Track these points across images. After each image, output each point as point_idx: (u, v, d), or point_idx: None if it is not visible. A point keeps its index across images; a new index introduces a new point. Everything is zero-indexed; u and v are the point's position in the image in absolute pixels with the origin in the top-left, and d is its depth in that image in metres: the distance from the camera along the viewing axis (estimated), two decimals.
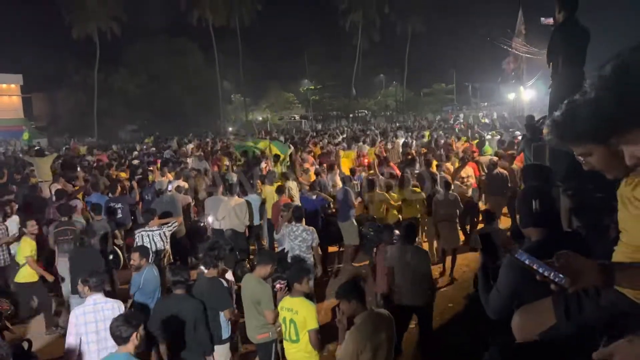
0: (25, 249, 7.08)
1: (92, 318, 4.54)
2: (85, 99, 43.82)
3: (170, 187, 9.91)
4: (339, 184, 10.48)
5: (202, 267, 5.56)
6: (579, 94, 1.28)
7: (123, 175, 12.96)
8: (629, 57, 1.21)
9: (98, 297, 4.64)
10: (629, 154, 1.27)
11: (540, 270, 1.41)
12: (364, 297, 4.07)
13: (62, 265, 7.21)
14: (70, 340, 4.52)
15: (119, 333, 3.69)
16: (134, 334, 3.69)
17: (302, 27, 55.07)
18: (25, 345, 5.23)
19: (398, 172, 10.94)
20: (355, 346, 3.73)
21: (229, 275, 5.90)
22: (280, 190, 9.11)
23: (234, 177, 11.21)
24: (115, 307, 4.62)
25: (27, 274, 7.08)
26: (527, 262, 1.46)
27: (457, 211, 8.70)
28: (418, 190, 9.13)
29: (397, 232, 8.06)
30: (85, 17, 41.62)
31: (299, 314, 4.53)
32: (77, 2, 41.03)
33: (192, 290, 5.12)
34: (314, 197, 9.13)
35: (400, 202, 9.12)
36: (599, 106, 1.21)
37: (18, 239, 7.59)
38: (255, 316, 5.06)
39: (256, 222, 9.17)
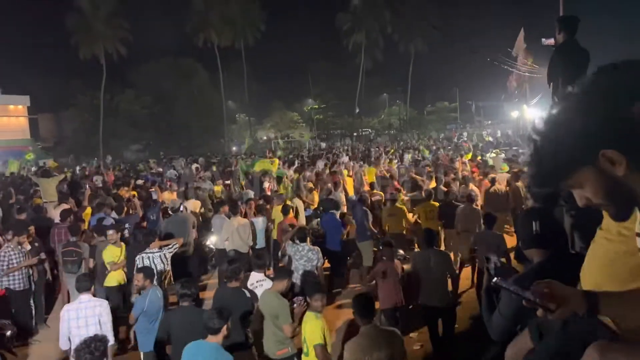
0: (109, 255, 7.59)
1: (75, 315, 5.31)
2: (91, 120, 44.24)
3: (181, 208, 9.95)
4: (344, 202, 10.53)
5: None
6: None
7: (134, 193, 12.92)
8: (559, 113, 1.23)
9: (84, 297, 5.43)
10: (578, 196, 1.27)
11: (526, 295, 1.40)
12: (371, 312, 4.19)
13: (69, 283, 7.62)
14: (63, 332, 5.31)
15: (212, 324, 4.01)
16: (224, 326, 4.04)
17: (305, 48, 55.94)
18: None
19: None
20: (350, 357, 3.85)
21: None
22: (285, 210, 9.12)
23: (250, 194, 11.31)
24: (97, 305, 5.37)
25: (112, 279, 7.62)
26: (511, 288, 1.45)
27: (477, 225, 8.66)
28: (435, 203, 9.47)
29: (400, 251, 8.07)
30: (92, 38, 42.24)
31: (305, 329, 4.63)
32: (84, 24, 41.69)
33: (202, 303, 5.24)
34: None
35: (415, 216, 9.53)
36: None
37: (42, 262, 7.90)
38: (274, 331, 5.08)
39: (259, 244, 9.09)
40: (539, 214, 2.65)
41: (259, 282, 6.13)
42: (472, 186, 11.10)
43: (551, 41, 5.75)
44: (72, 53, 42.78)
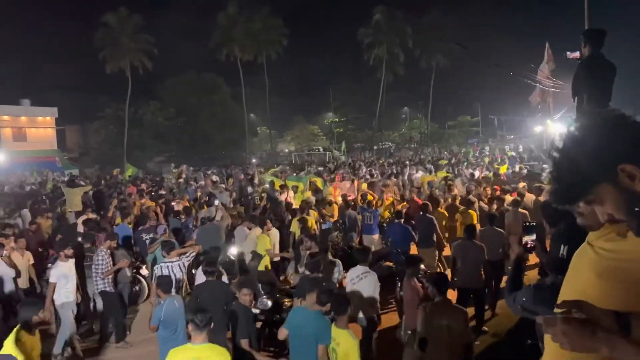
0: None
1: None
2: (116, 131, 45.20)
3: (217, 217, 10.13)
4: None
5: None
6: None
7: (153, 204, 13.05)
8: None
9: None
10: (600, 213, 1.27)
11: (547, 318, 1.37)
12: (445, 288, 5.01)
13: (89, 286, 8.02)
14: None
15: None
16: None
17: (326, 62, 56.31)
18: None
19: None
20: (420, 318, 4.75)
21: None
22: (302, 222, 9.13)
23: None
24: None
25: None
26: (538, 309, 1.41)
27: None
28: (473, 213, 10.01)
29: (422, 266, 7.97)
30: (118, 52, 43.30)
31: (341, 346, 4.53)
32: (112, 39, 42.78)
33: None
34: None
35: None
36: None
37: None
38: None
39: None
40: (569, 237, 2.51)
41: (363, 275, 6.42)
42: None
43: (576, 54, 5.66)
44: (100, 67, 44.00)
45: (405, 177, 17.89)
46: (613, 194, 1.22)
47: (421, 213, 9.56)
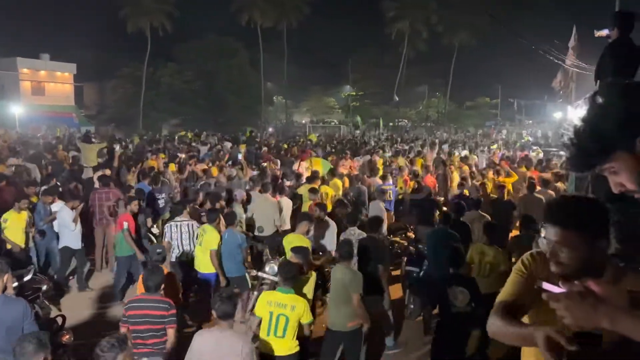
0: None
1: None
2: (133, 91, 45.26)
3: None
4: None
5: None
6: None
7: (172, 168, 12.77)
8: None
9: None
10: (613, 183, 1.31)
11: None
12: None
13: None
14: None
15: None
16: None
17: (348, 33, 55.35)
18: (60, 320, 5.48)
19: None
20: None
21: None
22: (313, 192, 9.17)
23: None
24: None
25: None
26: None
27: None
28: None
29: None
30: (139, 12, 43.08)
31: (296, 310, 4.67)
32: None
33: None
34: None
35: None
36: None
37: None
38: (345, 304, 5.17)
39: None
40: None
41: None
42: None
43: (604, 32, 5.51)
44: (120, 26, 43.78)
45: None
46: (629, 164, 1.25)
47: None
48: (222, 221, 7.57)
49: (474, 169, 14.57)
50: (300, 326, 4.74)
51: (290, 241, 6.49)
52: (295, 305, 4.63)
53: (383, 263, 6.23)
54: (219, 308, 4.02)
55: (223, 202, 8.66)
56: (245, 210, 9.03)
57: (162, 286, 4.93)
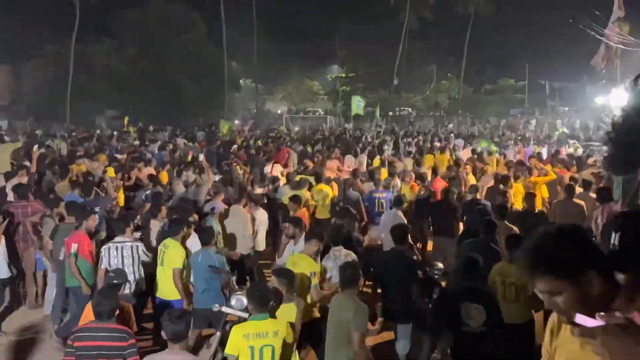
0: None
1: None
2: (58, 75, 44.64)
3: None
4: None
5: None
6: None
7: (112, 173, 12.73)
8: None
9: None
10: None
11: None
12: None
13: None
14: None
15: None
16: None
17: None
18: None
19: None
20: None
21: None
22: (295, 200, 9.16)
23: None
24: None
25: None
26: None
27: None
28: None
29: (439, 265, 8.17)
30: None
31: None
32: None
33: None
34: None
35: None
36: None
37: None
38: (348, 344, 5.12)
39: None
40: (625, 223, 2.31)
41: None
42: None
43: None
44: None
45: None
46: None
47: None
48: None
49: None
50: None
51: (294, 262, 6.43)
52: (278, 329, 4.73)
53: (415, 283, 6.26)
54: (168, 328, 4.25)
55: (196, 216, 8.72)
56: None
57: (117, 312, 5.03)
